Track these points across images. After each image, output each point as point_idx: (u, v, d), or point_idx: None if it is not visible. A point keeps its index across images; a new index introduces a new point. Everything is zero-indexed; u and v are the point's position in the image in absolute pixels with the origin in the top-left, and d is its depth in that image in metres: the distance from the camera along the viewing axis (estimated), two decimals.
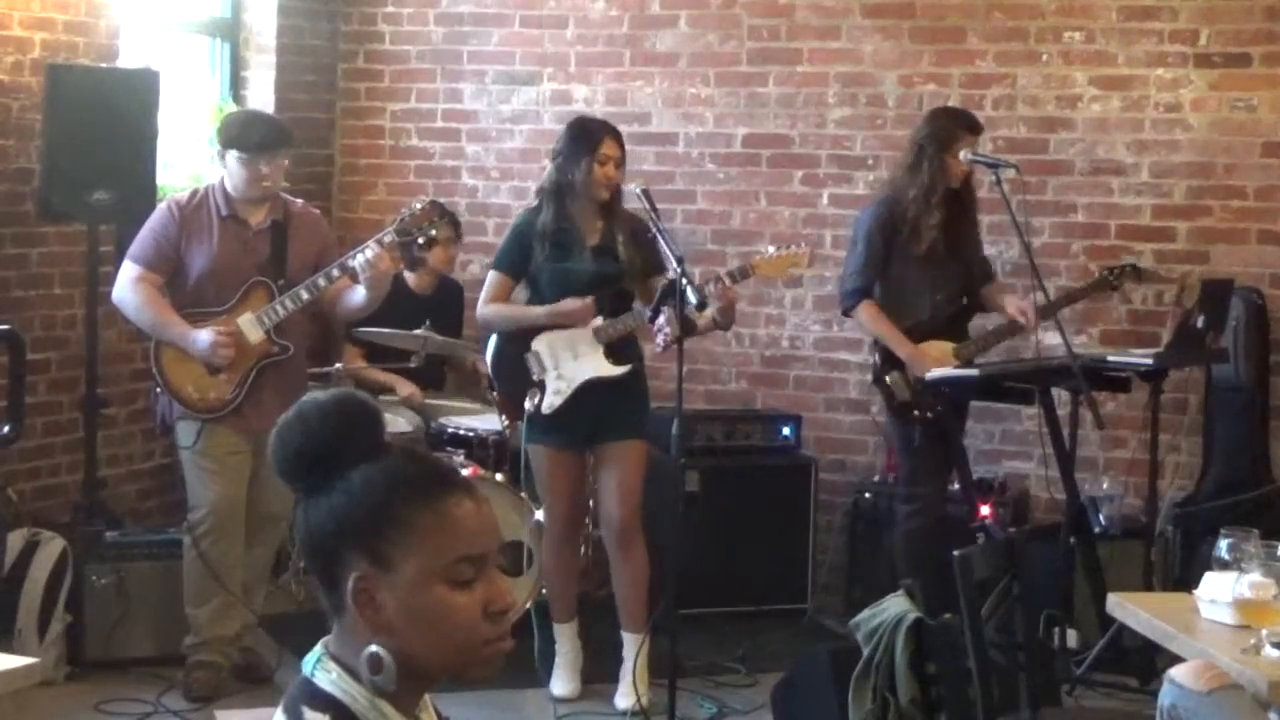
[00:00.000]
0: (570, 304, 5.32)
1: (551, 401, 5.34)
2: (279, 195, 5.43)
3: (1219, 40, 6.52)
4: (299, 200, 5.67)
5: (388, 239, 5.26)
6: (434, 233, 5.57)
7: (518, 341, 5.42)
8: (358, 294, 5.32)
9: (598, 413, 5.36)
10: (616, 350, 5.37)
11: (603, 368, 5.35)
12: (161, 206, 5.43)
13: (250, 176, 5.29)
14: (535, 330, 5.39)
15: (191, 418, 5.32)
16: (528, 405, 5.35)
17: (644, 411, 5.40)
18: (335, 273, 5.28)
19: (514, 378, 5.45)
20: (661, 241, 5.06)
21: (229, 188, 5.34)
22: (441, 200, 5.81)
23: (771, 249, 5.51)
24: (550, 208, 5.36)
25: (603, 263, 5.37)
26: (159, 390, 5.39)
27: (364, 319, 5.71)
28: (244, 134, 5.31)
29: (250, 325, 5.31)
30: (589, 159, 5.29)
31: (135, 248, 5.34)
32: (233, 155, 5.28)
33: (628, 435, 5.37)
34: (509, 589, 1.87)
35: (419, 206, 5.40)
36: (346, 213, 7.62)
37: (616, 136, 5.39)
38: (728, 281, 5.23)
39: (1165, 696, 3.28)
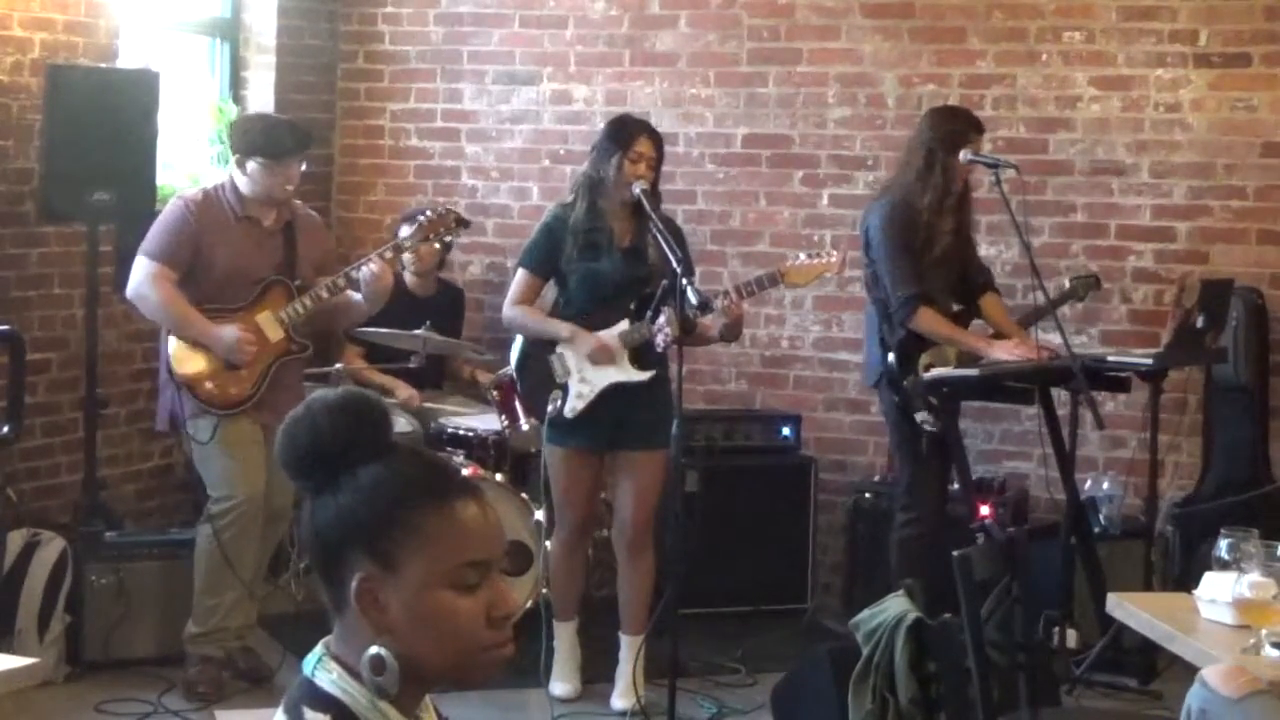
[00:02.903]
0: (592, 342, 5.26)
1: (574, 405, 5.29)
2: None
3: (1219, 40, 6.52)
4: (299, 202, 5.68)
5: (389, 254, 5.32)
6: (450, 240, 5.58)
7: (543, 343, 5.40)
8: (358, 303, 5.37)
9: (620, 417, 5.30)
10: (641, 355, 5.32)
11: (627, 372, 5.30)
12: (176, 204, 5.41)
13: (275, 182, 5.31)
14: None
15: (208, 413, 5.32)
16: (549, 407, 5.30)
17: (667, 419, 5.08)
18: (345, 279, 5.31)
19: (537, 379, 5.42)
20: (662, 241, 5.07)
21: (245, 191, 5.34)
22: (440, 201, 5.81)
23: (803, 256, 5.41)
24: (583, 204, 5.30)
25: (632, 265, 5.30)
26: (169, 388, 5.37)
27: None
28: (269, 141, 5.31)
29: (270, 323, 5.34)
30: (621, 155, 5.22)
31: (150, 244, 5.32)
32: (257, 161, 5.29)
33: (651, 446, 5.29)
34: (512, 594, 1.87)
35: (431, 213, 5.42)
36: (346, 213, 7.61)
37: (654, 136, 5.32)
38: (735, 296, 5.21)
39: (1194, 698, 3.21)
